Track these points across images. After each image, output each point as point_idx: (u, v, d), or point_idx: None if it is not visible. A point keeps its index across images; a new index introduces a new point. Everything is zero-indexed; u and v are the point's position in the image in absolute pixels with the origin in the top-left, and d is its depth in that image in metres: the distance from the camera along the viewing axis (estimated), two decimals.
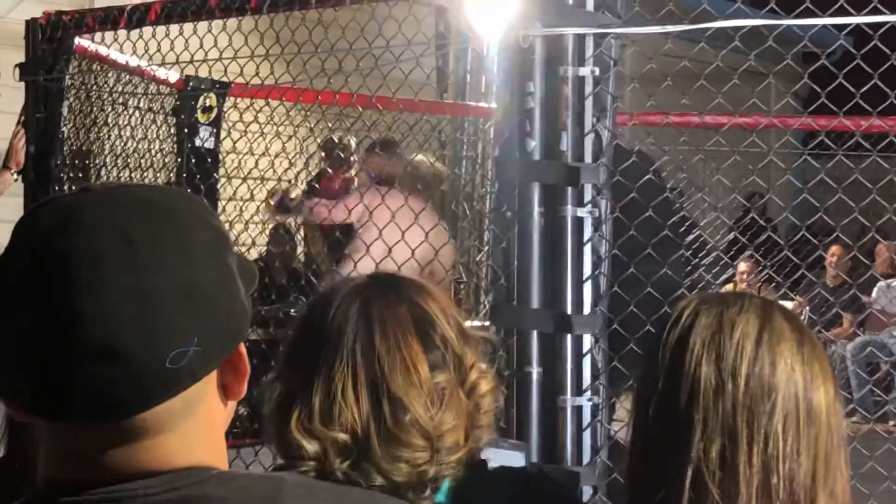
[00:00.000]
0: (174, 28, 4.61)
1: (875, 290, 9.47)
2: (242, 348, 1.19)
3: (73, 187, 1.21)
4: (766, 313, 1.48)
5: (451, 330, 1.77)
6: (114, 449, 1.12)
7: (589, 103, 3.03)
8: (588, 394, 3.01)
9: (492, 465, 1.95)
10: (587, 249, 3.01)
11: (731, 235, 8.37)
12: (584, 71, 3.02)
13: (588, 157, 3.02)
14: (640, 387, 1.52)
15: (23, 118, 5.37)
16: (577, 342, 3.00)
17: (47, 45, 5.17)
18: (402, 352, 1.71)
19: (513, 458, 2.65)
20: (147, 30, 4.76)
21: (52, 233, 1.10)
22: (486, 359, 1.86)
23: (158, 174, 5.55)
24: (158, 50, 4.71)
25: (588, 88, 3.03)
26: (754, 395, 1.43)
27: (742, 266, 9.25)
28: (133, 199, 1.15)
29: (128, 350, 1.07)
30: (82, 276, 1.07)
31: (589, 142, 3.03)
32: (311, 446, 1.67)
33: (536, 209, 3.04)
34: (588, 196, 3.01)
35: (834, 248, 9.39)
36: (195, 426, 1.15)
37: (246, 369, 1.20)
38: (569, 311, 2.99)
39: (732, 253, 8.85)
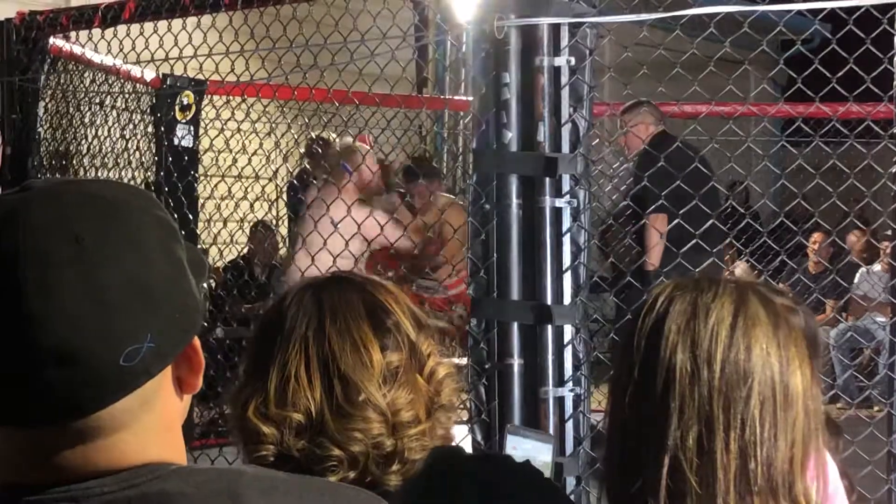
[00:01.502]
0: (149, 26, 4.59)
1: (857, 275, 9.48)
2: (196, 342, 1.18)
3: None
4: (741, 298, 1.47)
5: (405, 317, 1.80)
6: (70, 449, 1.10)
7: (565, 93, 3.02)
8: (570, 384, 3.00)
9: (517, 456, 1.98)
10: (566, 240, 3.01)
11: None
12: (560, 61, 3.01)
13: (565, 147, 3.01)
14: (616, 375, 1.51)
15: None
16: (558, 333, 3.00)
17: (22, 46, 5.14)
18: (352, 334, 1.74)
19: (540, 450, 2.63)
20: (122, 28, 4.74)
21: None
22: (449, 347, 1.89)
23: (136, 173, 5.51)
24: (133, 48, 4.68)
25: (564, 78, 3.02)
26: (730, 381, 1.42)
27: None
28: (78, 194, 1.13)
29: (80, 350, 1.05)
30: (30, 277, 1.05)
31: (566, 132, 3.02)
32: (268, 429, 1.71)
33: (514, 201, 3.04)
34: (566, 186, 3.00)
35: (816, 235, 9.40)
36: (152, 422, 1.14)
37: (200, 362, 1.18)
38: (549, 302, 2.99)
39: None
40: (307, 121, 6.61)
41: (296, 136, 7.03)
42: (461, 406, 3.02)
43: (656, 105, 6.19)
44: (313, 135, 7.36)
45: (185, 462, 1.18)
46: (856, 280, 9.43)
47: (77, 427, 1.09)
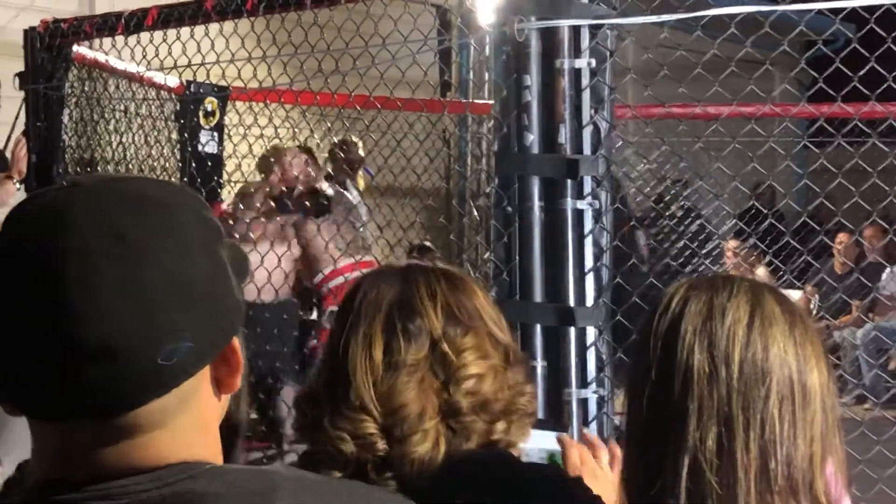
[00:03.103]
0: (171, 33, 4.61)
1: (883, 275, 9.43)
2: (235, 342, 1.17)
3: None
4: (756, 297, 1.46)
5: (433, 312, 1.77)
6: (107, 447, 1.10)
7: (586, 95, 3.02)
8: (593, 386, 3.00)
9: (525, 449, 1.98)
10: (588, 241, 3.01)
11: (737, 225, 8.34)
12: (581, 63, 3.01)
13: (587, 149, 3.01)
14: (632, 377, 1.51)
15: (24, 127, 5.37)
16: (581, 335, 3.00)
17: (46, 54, 5.17)
18: (361, 333, 1.75)
19: (543, 438, 2.61)
20: (145, 36, 4.76)
21: (41, 231, 1.08)
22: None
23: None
24: (156, 55, 4.71)
25: (585, 80, 3.02)
26: (748, 381, 1.41)
27: (731, 243, 9.14)
28: (123, 192, 1.13)
29: (120, 348, 1.05)
30: (72, 274, 1.05)
31: (587, 133, 3.02)
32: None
33: (536, 203, 3.04)
34: (588, 188, 3.01)
35: (841, 236, 9.34)
36: (188, 422, 1.14)
37: (239, 363, 1.18)
38: (571, 304, 2.99)
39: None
40: (330, 126, 6.62)
41: (318, 141, 7.06)
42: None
43: None
44: (336, 139, 7.39)
45: (220, 462, 1.18)
46: (882, 280, 9.38)
47: (114, 424, 1.10)
